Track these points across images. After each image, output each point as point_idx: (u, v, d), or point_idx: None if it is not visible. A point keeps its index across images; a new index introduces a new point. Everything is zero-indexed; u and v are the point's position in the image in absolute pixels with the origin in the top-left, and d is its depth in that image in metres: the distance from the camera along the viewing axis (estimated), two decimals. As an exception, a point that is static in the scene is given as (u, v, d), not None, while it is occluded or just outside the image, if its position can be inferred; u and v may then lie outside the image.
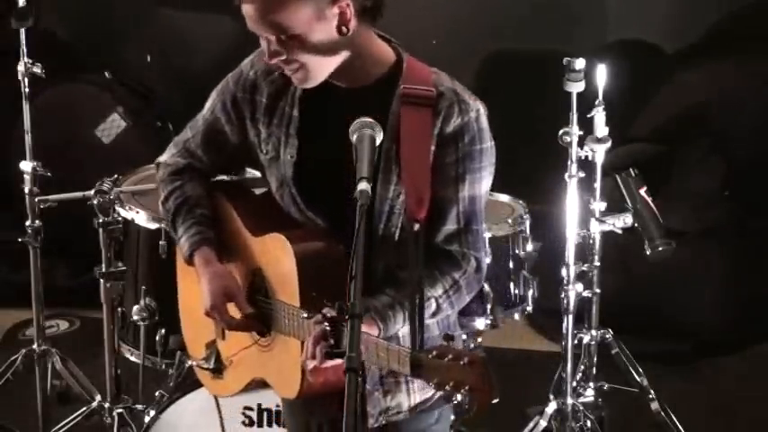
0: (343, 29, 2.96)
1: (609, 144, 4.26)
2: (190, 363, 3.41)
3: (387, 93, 3.03)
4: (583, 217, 4.31)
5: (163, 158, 3.29)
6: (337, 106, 3.03)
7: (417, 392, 3.07)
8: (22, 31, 4.40)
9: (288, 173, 3.07)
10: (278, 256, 3.00)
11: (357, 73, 3.03)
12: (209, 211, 3.20)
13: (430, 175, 2.96)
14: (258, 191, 3.26)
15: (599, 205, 4.33)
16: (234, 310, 3.10)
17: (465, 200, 3.02)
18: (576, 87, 4.14)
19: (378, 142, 2.77)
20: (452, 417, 3.37)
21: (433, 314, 3.01)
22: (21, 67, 4.45)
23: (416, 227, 2.90)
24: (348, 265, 2.60)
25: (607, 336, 4.56)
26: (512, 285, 4.01)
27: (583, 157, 4.24)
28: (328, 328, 2.77)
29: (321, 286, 2.92)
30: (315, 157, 3.05)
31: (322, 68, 3.00)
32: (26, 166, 4.48)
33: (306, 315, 2.90)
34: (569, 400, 4.38)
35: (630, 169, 4.41)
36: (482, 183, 3.04)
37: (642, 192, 4.35)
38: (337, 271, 2.84)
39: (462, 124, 3.00)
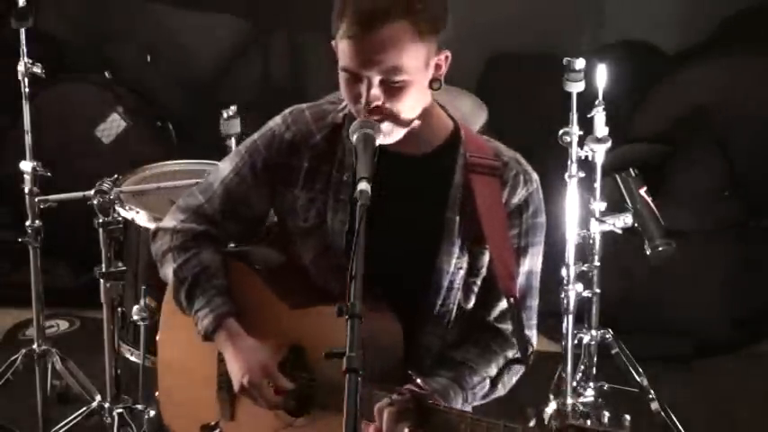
0: (435, 84, 2.82)
1: (609, 144, 4.26)
2: None
3: (448, 162, 2.89)
4: (583, 217, 4.31)
5: (169, 225, 3.07)
6: (397, 174, 2.85)
7: None
8: (22, 31, 4.40)
9: (337, 241, 2.91)
10: (328, 332, 2.78)
11: (420, 138, 2.87)
12: (229, 282, 3.01)
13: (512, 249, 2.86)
14: (272, 260, 3.07)
15: (599, 205, 4.33)
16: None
17: (524, 275, 2.93)
18: (575, 87, 4.14)
19: (377, 143, 2.76)
20: None
21: (485, 395, 2.94)
22: (21, 67, 4.45)
23: (512, 301, 2.83)
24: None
25: (607, 336, 4.56)
26: (512, 285, 4.01)
27: (583, 157, 4.24)
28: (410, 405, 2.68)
29: (378, 364, 2.78)
30: (370, 226, 2.69)
31: (405, 125, 2.81)
32: (26, 166, 4.47)
33: (390, 398, 2.70)
34: (569, 400, 4.38)
35: (630, 169, 4.41)
36: (539, 257, 2.94)
37: (642, 192, 4.35)
38: (394, 351, 2.81)
39: (527, 195, 2.90)
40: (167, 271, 3.04)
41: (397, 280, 2.84)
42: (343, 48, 2.77)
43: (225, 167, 3.01)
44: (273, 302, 2.97)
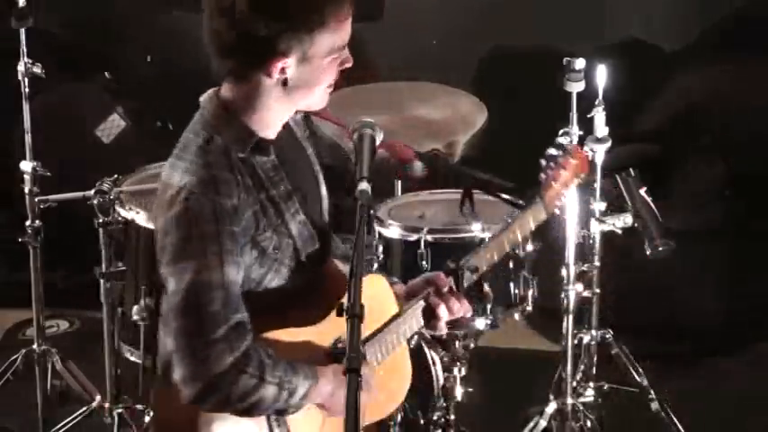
0: None
1: (609, 144, 4.26)
2: None
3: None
4: (583, 217, 4.31)
5: (223, 365, 2.76)
6: (294, 152, 3.03)
7: None
8: (22, 31, 4.40)
9: (306, 236, 2.95)
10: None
11: None
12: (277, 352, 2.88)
13: None
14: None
15: (599, 205, 4.33)
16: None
17: None
18: (575, 87, 4.14)
19: (377, 142, 2.77)
20: None
21: None
22: (21, 67, 4.45)
23: None
24: None
25: (607, 336, 4.55)
26: (512, 285, 4.01)
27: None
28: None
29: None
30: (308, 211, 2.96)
31: None
32: (26, 166, 4.48)
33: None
34: (569, 400, 4.38)
35: (630, 169, 4.41)
36: None
37: (642, 192, 4.35)
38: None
39: None
40: (266, 400, 2.84)
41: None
42: (335, 28, 2.84)
43: (202, 279, 2.77)
44: (303, 333, 2.94)
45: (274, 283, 2.92)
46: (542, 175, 3.35)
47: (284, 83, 2.85)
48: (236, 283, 2.79)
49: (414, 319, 3.08)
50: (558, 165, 3.39)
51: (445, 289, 3.11)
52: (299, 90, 2.88)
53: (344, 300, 2.57)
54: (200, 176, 2.81)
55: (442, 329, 3.13)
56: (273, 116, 2.92)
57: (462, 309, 3.11)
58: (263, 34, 2.81)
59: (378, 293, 3.06)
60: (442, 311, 3.09)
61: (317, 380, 2.86)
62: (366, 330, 2.86)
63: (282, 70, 2.83)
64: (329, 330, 2.95)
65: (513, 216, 3.34)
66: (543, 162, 3.37)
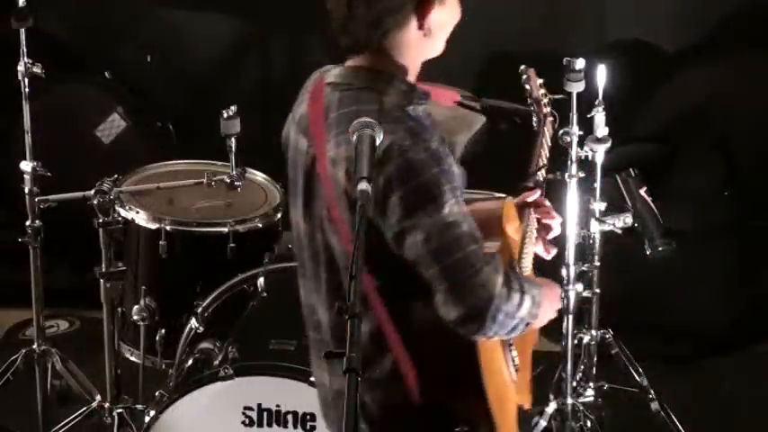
0: None
1: (609, 144, 4.26)
2: None
3: None
4: (583, 217, 4.31)
5: (500, 286, 2.87)
6: None
7: None
8: (22, 31, 4.40)
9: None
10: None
11: None
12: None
13: None
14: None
15: (599, 205, 4.33)
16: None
17: None
18: (575, 87, 4.14)
19: (378, 142, 2.77)
20: None
21: None
22: (21, 67, 4.45)
23: None
24: None
25: (607, 336, 4.56)
26: (512, 285, 4.01)
27: (583, 157, 4.25)
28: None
29: None
30: None
31: None
32: (26, 166, 4.48)
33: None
34: (569, 400, 4.38)
35: (630, 169, 4.41)
36: None
37: (642, 192, 4.36)
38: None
39: None
40: (527, 313, 2.95)
41: None
42: (452, 4, 2.92)
43: (453, 211, 2.85)
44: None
45: None
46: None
47: (426, 29, 2.91)
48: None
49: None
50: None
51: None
52: (436, 35, 2.94)
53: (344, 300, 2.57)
54: (401, 131, 2.84)
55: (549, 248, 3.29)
56: (415, 66, 2.97)
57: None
58: None
59: (513, 215, 3.17)
60: (555, 224, 3.26)
61: (541, 288, 2.99)
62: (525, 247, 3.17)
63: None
64: (506, 248, 3.07)
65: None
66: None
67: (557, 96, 3.84)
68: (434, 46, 2.98)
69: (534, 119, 3.71)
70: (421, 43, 2.94)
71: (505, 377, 3.10)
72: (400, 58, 2.94)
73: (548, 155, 3.57)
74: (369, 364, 2.94)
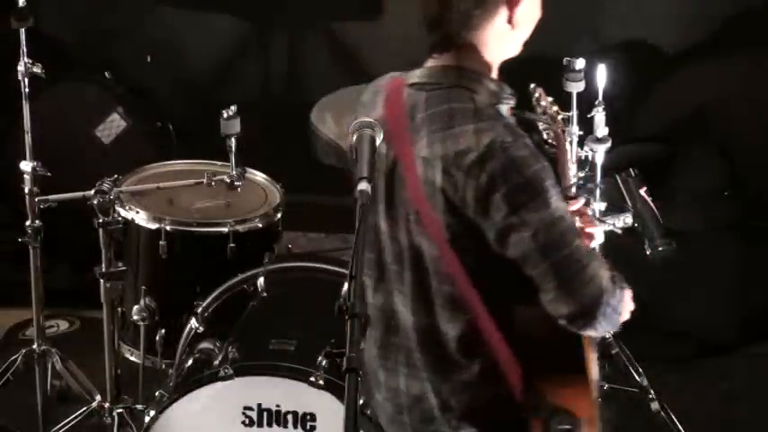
0: None
1: (609, 144, 4.26)
2: None
3: None
4: (583, 217, 4.30)
5: (608, 281, 2.92)
6: None
7: None
8: (22, 31, 4.40)
9: None
10: None
11: None
12: None
13: None
14: None
15: (599, 205, 4.33)
16: None
17: None
18: (575, 87, 4.15)
19: (378, 142, 2.77)
20: None
21: None
22: (21, 67, 4.45)
23: None
24: None
25: (607, 336, 4.56)
26: (512, 285, 4.01)
27: (583, 158, 4.25)
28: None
29: None
30: None
31: None
32: (26, 166, 4.48)
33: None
34: (569, 400, 4.38)
35: (630, 169, 4.41)
36: None
37: (642, 192, 4.35)
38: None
39: None
40: (626, 306, 3.01)
41: None
42: (528, 7, 2.92)
43: (558, 206, 2.86)
44: None
45: None
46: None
47: (514, 23, 2.92)
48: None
49: None
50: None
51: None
52: (522, 30, 2.95)
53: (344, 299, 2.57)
54: (500, 128, 2.84)
55: None
56: (497, 65, 2.98)
57: None
58: None
59: None
60: (598, 231, 3.26)
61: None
62: None
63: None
64: None
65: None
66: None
67: (567, 114, 3.85)
68: (516, 43, 2.98)
69: (550, 134, 3.66)
70: (507, 38, 2.94)
71: (595, 375, 3.11)
72: (487, 54, 2.94)
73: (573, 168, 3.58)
74: (455, 367, 2.94)
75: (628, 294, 2.96)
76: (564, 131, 3.61)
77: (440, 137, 2.85)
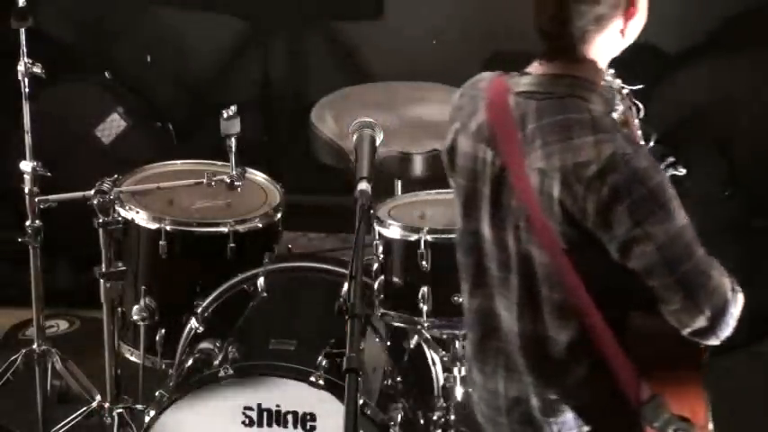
0: None
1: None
2: None
3: None
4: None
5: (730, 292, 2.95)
6: None
7: None
8: (22, 31, 4.40)
9: None
10: None
11: None
12: None
13: None
14: None
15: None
16: None
17: None
18: (576, 87, 4.13)
19: (378, 142, 2.77)
20: None
21: None
22: (21, 67, 4.45)
23: None
24: None
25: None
26: (512, 285, 4.01)
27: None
28: None
29: None
30: None
31: None
32: (26, 166, 4.48)
33: None
34: (569, 400, 4.37)
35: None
36: None
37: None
38: None
39: None
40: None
41: None
42: (644, 9, 2.93)
43: (681, 217, 2.88)
44: None
45: None
46: None
47: (625, 34, 2.94)
48: None
49: None
50: None
51: None
52: (627, 41, 2.98)
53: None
54: (620, 139, 2.83)
55: None
56: (604, 73, 2.98)
57: None
58: None
59: None
60: None
61: None
62: None
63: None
64: None
65: None
66: None
67: (635, 87, 3.78)
68: (619, 50, 3.00)
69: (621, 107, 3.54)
70: (615, 49, 2.96)
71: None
72: (598, 63, 2.94)
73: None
74: (561, 371, 2.95)
75: (742, 298, 2.95)
76: (630, 108, 3.54)
77: (558, 149, 2.82)
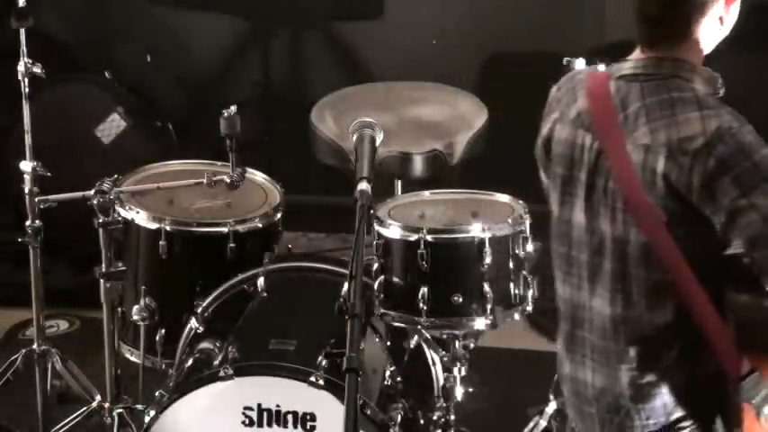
0: None
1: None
2: None
3: None
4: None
5: None
6: None
7: None
8: (22, 31, 4.40)
9: None
10: None
11: None
12: None
13: None
14: None
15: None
16: None
17: None
18: (576, 87, 4.13)
19: (378, 142, 2.77)
20: None
21: None
22: (21, 67, 4.45)
23: None
24: None
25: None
26: (512, 285, 4.01)
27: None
28: None
29: None
30: None
31: None
32: (26, 166, 4.48)
33: None
34: (569, 400, 4.38)
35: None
36: None
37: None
38: None
39: None
40: None
41: None
42: (736, 7, 3.03)
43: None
44: None
45: None
46: None
47: (723, 22, 3.03)
48: None
49: None
50: None
51: None
52: (725, 30, 3.05)
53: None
54: (725, 114, 2.90)
55: None
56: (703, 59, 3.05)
57: None
58: None
59: None
60: None
61: None
62: None
63: None
64: None
65: None
66: None
67: None
68: (717, 40, 3.08)
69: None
70: (714, 37, 3.04)
71: None
72: (700, 49, 3.03)
73: None
74: (656, 354, 2.98)
75: None
76: None
77: (663, 124, 2.90)
